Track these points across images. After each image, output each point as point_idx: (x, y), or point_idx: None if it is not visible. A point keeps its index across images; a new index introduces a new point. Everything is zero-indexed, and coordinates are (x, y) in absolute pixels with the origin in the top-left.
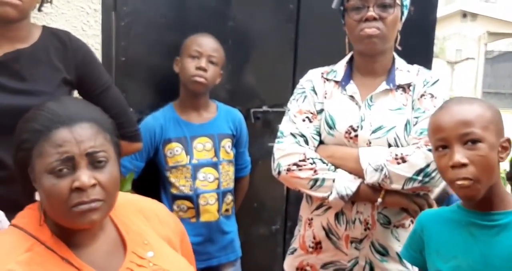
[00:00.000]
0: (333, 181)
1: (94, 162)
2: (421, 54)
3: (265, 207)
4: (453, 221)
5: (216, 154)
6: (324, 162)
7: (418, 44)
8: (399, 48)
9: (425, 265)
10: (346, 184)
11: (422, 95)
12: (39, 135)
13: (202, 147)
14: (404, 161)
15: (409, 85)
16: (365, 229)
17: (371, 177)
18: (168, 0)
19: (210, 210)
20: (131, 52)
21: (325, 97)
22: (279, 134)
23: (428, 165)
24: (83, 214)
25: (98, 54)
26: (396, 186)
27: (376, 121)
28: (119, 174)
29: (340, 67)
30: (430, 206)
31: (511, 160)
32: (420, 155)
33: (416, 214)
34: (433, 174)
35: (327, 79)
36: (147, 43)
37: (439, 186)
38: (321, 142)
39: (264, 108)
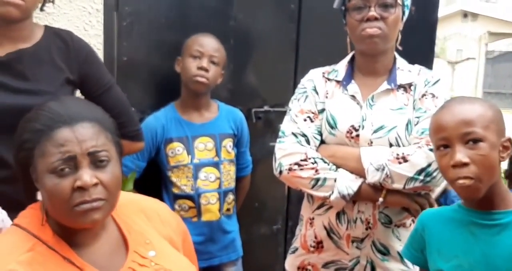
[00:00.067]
0: (335, 180)
1: (96, 162)
2: (422, 54)
3: (266, 207)
4: (454, 220)
5: (218, 153)
6: (325, 162)
7: (419, 44)
8: (400, 48)
9: (426, 265)
10: (348, 183)
11: (423, 95)
12: (40, 135)
13: (204, 147)
14: (405, 160)
15: (410, 85)
16: (366, 229)
17: (373, 177)
18: (170, 0)
19: (211, 210)
20: (133, 52)
21: (327, 97)
22: (280, 133)
23: (429, 165)
24: (85, 213)
25: (100, 54)
26: (398, 185)
27: (378, 120)
28: (120, 173)
29: (341, 67)
30: (431, 205)
31: (511, 159)
32: (421, 155)
33: (417, 214)
34: (434, 174)
35: (329, 79)
36: (149, 43)
37: (440, 185)
38: (322, 142)
39: (266, 107)
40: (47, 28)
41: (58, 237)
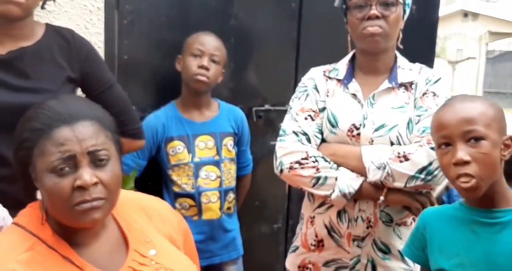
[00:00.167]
0: (336, 179)
1: (96, 161)
2: (423, 54)
3: (267, 205)
4: (456, 218)
5: (218, 152)
6: (326, 160)
7: (420, 44)
8: (401, 46)
9: (427, 263)
10: (349, 182)
11: (424, 94)
12: (40, 134)
13: (204, 146)
14: (406, 159)
15: (411, 83)
16: (367, 227)
17: (374, 175)
18: None
19: (212, 208)
20: (134, 50)
21: (327, 95)
22: (281, 132)
23: (430, 163)
24: (85, 212)
25: (101, 52)
26: (399, 184)
27: (379, 119)
28: (120, 172)
29: (342, 65)
30: (432, 204)
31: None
32: (422, 153)
33: (418, 212)
34: (435, 172)
35: (329, 77)
36: (150, 41)
37: (442, 184)
38: (323, 140)
39: (266, 106)
40: (48, 26)
41: (58, 236)
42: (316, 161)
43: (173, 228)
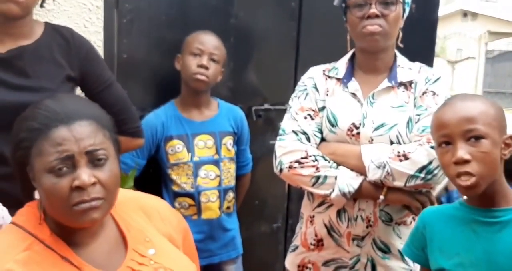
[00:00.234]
0: (335, 178)
1: (94, 160)
2: (423, 53)
3: (266, 205)
4: (456, 218)
5: (218, 151)
6: (326, 160)
7: (419, 43)
8: (401, 45)
9: (427, 263)
10: (348, 181)
11: (424, 93)
12: (37, 134)
13: (204, 145)
14: (406, 158)
15: (410, 82)
16: (367, 227)
17: (373, 175)
18: None
19: (211, 208)
20: (133, 49)
21: (327, 94)
22: (280, 131)
23: (430, 163)
24: (84, 212)
25: (100, 51)
26: (399, 183)
27: (378, 118)
28: (119, 171)
29: (341, 64)
30: (432, 203)
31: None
32: (422, 153)
33: (418, 212)
34: (435, 171)
35: (329, 76)
36: (149, 40)
37: (441, 183)
38: (323, 140)
39: (266, 105)
40: (47, 25)
41: (56, 236)
42: (316, 160)
43: (172, 228)
